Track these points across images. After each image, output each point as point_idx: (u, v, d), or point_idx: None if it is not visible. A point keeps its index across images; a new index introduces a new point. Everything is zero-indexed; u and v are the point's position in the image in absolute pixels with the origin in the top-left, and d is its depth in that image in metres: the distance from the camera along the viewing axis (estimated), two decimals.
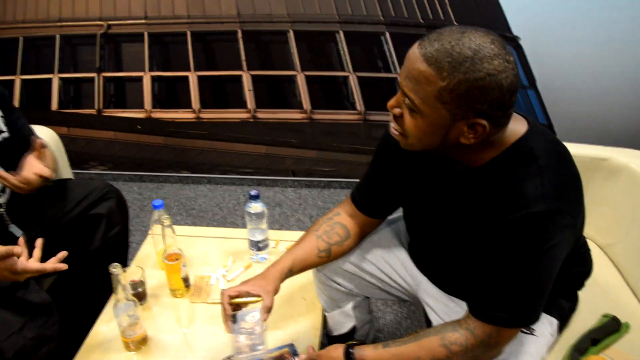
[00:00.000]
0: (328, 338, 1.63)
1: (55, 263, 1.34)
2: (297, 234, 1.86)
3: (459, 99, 0.95)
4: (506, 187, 1.05)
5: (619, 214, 1.68)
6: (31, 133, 1.74)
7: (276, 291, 1.30)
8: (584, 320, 1.42)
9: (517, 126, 1.08)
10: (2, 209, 1.56)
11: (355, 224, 1.41)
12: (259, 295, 1.27)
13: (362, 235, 1.45)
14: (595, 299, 1.49)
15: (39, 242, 1.38)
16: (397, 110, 1.05)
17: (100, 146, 2.94)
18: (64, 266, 1.35)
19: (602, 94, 2.50)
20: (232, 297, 1.27)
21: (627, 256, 1.65)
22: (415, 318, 2.11)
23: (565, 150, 1.11)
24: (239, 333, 1.27)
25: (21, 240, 1.37)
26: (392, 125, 1.09)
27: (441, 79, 0.94)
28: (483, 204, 1.10)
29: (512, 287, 1.09)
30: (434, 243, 1.34)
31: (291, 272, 1.34)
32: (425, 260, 1.43)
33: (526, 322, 1.15)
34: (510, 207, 1.04)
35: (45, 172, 1.51)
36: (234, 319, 1.27)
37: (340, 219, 1.41)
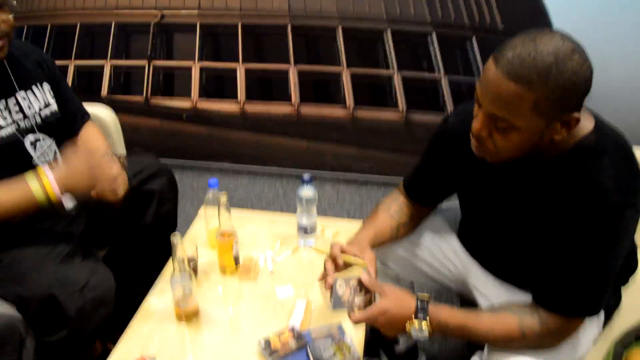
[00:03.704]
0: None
1: None
2: (344, 222, 1.91)
3: (554, 105, 0.97)
4: (580, 178, 1.08)
5: None
6: (80, 107, 1.81)
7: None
8: (626, 318, 1.43)
9: (585, 121, 1.10)
10: None
11: (414, 209, 1.46)
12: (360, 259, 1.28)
13: (419, 221, 1.49)
14: (637, 299, 1.50)
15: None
16: (484, 133, 1.07)
17: (144, 133, 3.02)
18: None
19: None
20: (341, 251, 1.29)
21: None
22: None
23: (630, 147, 1.13)
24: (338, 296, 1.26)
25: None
26: (477, 147, 1.11)
27: (533, 91, 0.96)
28: (554, 193, 1.12)
29: (583, 276, 1.11)
30: (492, 230, 1.36)
31: (373, 245, 1.37)
32: (479, 246, 1.45)
33: (595, 312, 1.16)
34: (585, 197, 1.06)
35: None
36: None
37: (404, 201, 1.46)
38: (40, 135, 1.59)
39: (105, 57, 2.85)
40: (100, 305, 1.45)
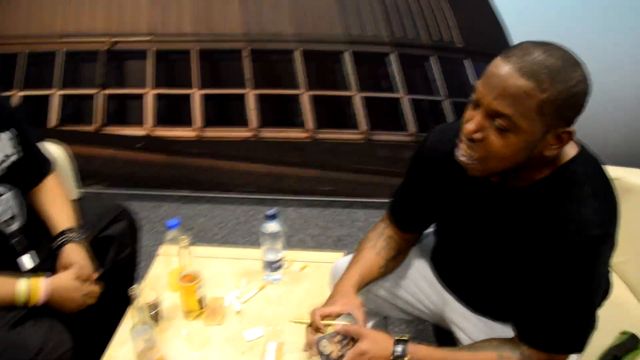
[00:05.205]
0: None
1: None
2: (310, 254, 1.87)
3: (557, 109, 0.96)
4: (561, 209, 1.05)
5: (630, 232, 1.68)
6: (41, 154, 1.69)
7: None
8: (602, 337, 1.43)
9: (569, 147, 1.08)
10: (15, 239, 1.50)
11: (402, 239, 1.43)
12: (348, 314, 1.25)
13: (408, 249, 1.47)
14: (611, 317, 1.49)
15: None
16: (478, 135, 1.02)
17: (98, 164, 2.90)
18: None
19: (605, 116, 2.53)
20: (323, 318, 1.24)
21: (638, 274, 1.68)
22: (423, 338, 2.09)
23: (609, 176, 1.11)
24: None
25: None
26: (466, 152, 1.06)
27: (541, 91, 0.94)
28: (532, 224, 1.09)
29: (567, 313, 1.09)
30: (468, 261, 1.33)
31: (359, 287, 1.33)
32: (455, 278, 1.42)
33: (581, 349, 1.14)
34: (566, 230, 1.03)
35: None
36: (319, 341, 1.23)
37: (391, 233, 1.42)
38: (0, 189, 1.47)
39: (53, 87, 2.72)
40: None
